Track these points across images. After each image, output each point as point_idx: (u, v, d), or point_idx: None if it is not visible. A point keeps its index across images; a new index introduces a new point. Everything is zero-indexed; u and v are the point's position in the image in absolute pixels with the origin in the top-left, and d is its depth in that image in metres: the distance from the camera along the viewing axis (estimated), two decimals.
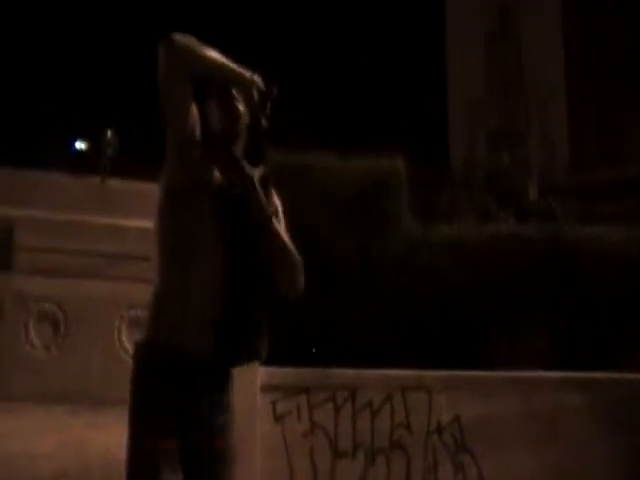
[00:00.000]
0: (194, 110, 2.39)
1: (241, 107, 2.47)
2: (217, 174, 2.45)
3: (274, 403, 5.90)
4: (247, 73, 2.46)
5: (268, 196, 2.45)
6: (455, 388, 6.35)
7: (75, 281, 4.85)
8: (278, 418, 5.90)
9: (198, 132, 2.39)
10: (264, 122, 2.44)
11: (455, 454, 6.33)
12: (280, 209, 2.54)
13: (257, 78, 2.46)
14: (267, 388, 5.81)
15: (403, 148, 8.02)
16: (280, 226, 2.51)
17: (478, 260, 7.52)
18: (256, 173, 2.45)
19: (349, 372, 6.17)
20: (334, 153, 7.70)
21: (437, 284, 7.52)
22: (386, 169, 7.76)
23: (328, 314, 7.08)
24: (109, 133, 6.67)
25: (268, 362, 6.38)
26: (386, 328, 7.25)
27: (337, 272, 7.24)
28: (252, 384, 5.73)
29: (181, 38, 2.35)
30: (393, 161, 7.79)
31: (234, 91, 2.47)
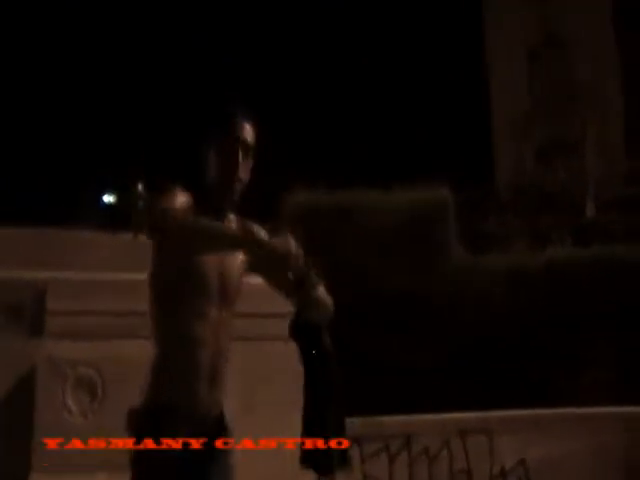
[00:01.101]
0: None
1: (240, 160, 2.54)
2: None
3: None
4: (279, 246, 2.36)
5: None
6: (518, 429, 6.35)
7: (111, 342, 4.92)
8: None
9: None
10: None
11: None
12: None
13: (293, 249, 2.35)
14: None
15: (447, 173, 8.11)
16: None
17: (534, 288, 7.51)
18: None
19: (402, 418, 6.20)
20: (377, 188, 7.87)
21: (491, 316, 7.53)
22: (431, 200, 7.87)
23: (376, 355, 7.19)
24: (140, 186, 6.74)
25: None
26: (440, 367, 7.30)
27: (386, 311, 7.35)
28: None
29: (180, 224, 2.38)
30: (438, 191, 7.90)
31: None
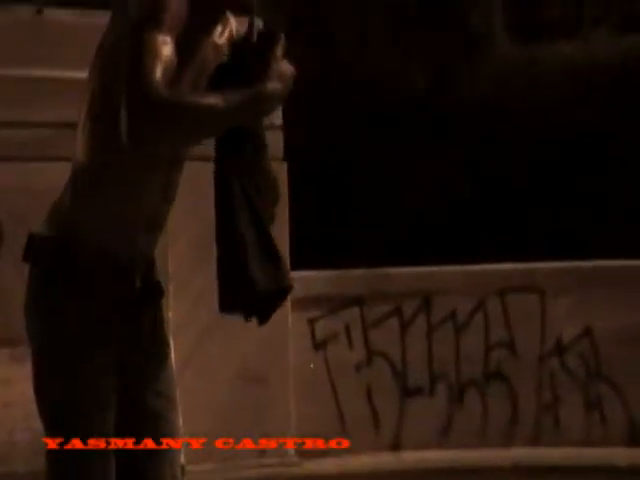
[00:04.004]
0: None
1: None
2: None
3: (312, 323, 5.73)
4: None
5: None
6: (582, 287, 5.99)
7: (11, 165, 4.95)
8: (319, 344, 5.74)
9: None
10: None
11: (586, 385, 5.98)
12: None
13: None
14: (302, 302, 5.58)
15: None
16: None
17: (609, 87, 7.02)
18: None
19: (420, 271, 6.01)
20: None
21: (547, 128, 7.05)
22: None
23: (388, 181, 6.94)
24: None
25: (304, 264, 5.78)
26: (471, 202, 6.93)
27: (404, 118, 7.06)
28: None
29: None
30: None
31: None
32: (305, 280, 5.62)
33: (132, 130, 2.32)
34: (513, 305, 5.97)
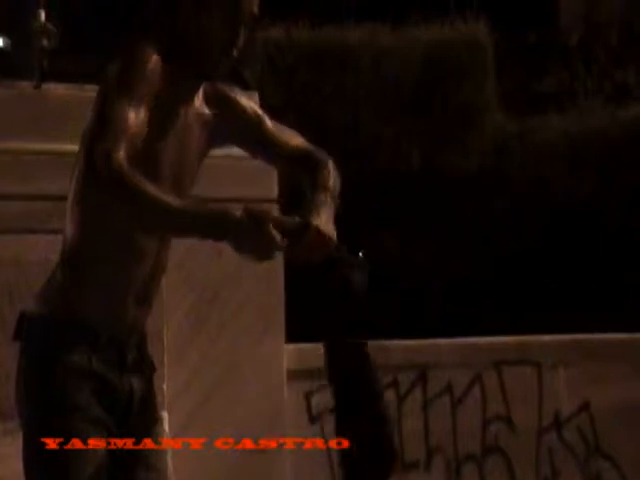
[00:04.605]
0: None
1: None
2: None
3: (308, 396, 5.65)
4: None
5: None
6: (579, 359, 5.98)
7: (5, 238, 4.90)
8: (315, 417, 5.65)
9: None
10: None
11: (586, 460, 5.93)
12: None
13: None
14: (298, 375, 5.56)
15: (487, 6, 7.91)
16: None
17: (608, 159, 7.01)
18: None
19: (416, 343, 5.93)
20: (388, 23, 7.58)
21: (544, 203, 7.07)
22: (462, 39, 7.27)
23: (384, 257, 6.75)
24: (42, 16, 6.14)
25: (299, 337, 5.69)
26: (468, 274, 6.90)
27: (398, 193, 7.08)
28: (276, 369, 5.49)
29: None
30: (472, 26, 7.37)
31: None
32: (301, 352, 5.55)
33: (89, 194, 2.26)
34: (509, 378, 5.88)
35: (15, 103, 5.30)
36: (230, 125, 2.62)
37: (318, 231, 2.37)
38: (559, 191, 7.00)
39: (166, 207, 2.22)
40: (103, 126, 2.26)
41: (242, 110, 2.61)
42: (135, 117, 2.30)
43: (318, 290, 2.57)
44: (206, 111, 2.58)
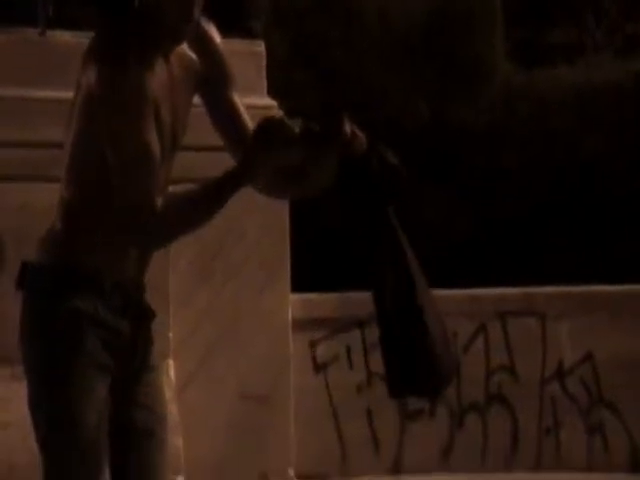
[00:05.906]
0: None
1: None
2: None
3: (314, 345, 5.71)
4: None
5: None
6: (584, 310, 5.97)
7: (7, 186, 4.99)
8: (320, 367, 5.71)
9: None
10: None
11: (588, 410, 5.94)
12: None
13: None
14: (303, 324, 5.60)
15: None
16: None
17: (616, 114, 6.96)
18: None
19: None
20: None
21: (551, 153, 7.00)
22: None
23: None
24: None
25: (304, 287, 5.68)
26: (473, 229, 6.94)
27: (405, 148, 7.02)
28: (281, 319, 5.49)
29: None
30: None
31: None
32: (306, 302, 5.66)
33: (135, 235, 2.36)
34: (514, 329, 5.92)
35: (19, 50, 5.28)
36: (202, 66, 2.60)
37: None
38: (566, 146, 6.98)
39: (195, 215, 2.35)
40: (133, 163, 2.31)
41: (214, 62, 2.55)
42: (151, 138, 2.36)
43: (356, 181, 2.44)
44: (188, 54, 2.56)
